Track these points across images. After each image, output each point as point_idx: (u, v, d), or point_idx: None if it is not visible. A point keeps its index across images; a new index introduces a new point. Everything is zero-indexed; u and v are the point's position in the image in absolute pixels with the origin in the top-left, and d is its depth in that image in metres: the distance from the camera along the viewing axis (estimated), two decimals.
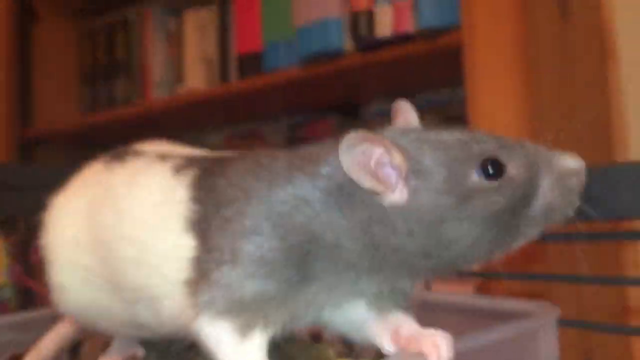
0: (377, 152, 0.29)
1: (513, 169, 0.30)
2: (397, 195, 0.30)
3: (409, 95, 1.13)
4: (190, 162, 0.35)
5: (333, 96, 1.14)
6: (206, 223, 0.31)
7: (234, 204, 0.31)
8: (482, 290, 0.73)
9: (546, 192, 0.30)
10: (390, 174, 0.29)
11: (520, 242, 0.31)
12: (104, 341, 0.40)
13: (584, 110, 0.87)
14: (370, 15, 0.91)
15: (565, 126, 0.84)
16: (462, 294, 0.36)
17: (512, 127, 0.76)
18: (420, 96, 1.12)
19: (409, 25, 0.87)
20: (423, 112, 1.14)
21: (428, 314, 0.33)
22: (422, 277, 0.33)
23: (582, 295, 0.74)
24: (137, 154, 0.38)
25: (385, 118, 1.15)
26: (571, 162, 0.31)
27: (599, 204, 0.32)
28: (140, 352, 0.37)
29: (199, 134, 1.43)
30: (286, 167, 0.31)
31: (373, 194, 0.29)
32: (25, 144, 1.45)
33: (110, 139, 1.57)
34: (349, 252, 0.29)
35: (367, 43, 0.91)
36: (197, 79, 1.32)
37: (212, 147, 0.44)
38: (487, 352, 0.28)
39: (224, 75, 1.27)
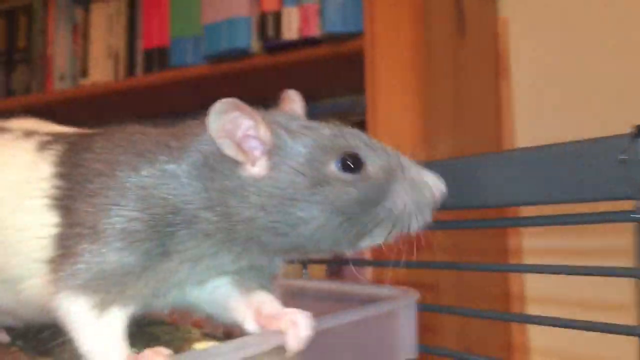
0: (246, 123, 0.30)
1: (371, 167, 0.32)
2: (257, 168, 0.31)
3: (314, 100, 1.16)
4: (56, 138, 0.34)
5: (238, 97, 1.14)
6: (70, 199, 0.30)
7: (99, 178, 0.30)
8: (373, 280, 0.75)
9: (397, 197, 0.32)
10: (255, 147, 0.31)
11: (368, 242, 0.32)
12: None
13: (475, 121, 0.92)
14: (278, 17, 0.92)
15: (457, 136, 0.88)
16: (333, 282, 0.38)
17: (407, 135, 0.79)
18: (325, 101, 1.14)
19: (315, 29, 0.88)
20: (327, 117, 1.16)
21: (299, 301, 0.34)
22: (275, 256, 0.34)
23: (468, 284, 0.78)
24: (2, 130, 0.36)
25: None
26: (429, 177, 0.32)
27: (484, 192, 0.34)
28: (4, 337, 0.36)
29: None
30: (155, 141, 0.32)
31: (234, 165, 0.30)
32: None
33: None
34: (206, 223, 0.30)
35: (274, 44, 0.92)
36: (102, 72, 1.28)
37: None
38: (347, 332, 0.29)
39: (130, 70, 1.24)
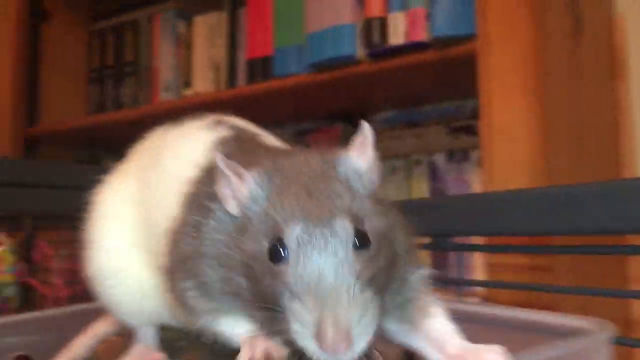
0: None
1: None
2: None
3: (417, 105, 1.13)
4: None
5: (341, 104, 1.14)
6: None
7: None
8: (488, 300, 0.72)
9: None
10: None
11: None
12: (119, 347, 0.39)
13: (592, 124, 0.87)
14: (383, 22, 0.90)
15: (574, 140, 0.83)
16: (512, 308, 0.34)
17: (523, 139, 0.76)
18: (427, 106, 1.11)
19: (423, 34, 0.86)
20: (430, 122, 1.14)
21: (478, 328, 0.32)
22: None
23: (587, 308, 0.73)
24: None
25: (393, 127, 1.14)
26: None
27: (605, 218, 0.31)
28: (161, 358, 0.36)
29: None
30: None
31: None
32: (30, 142, 1.44)
33: (115, 141, 1.57)
34: None
35: (380, 50, 0.90)
36: (204, 83, 1.32)
37: None
38: None
39: (231, 80, 1.26)
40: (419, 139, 1.09)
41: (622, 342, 0.31)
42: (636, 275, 0.87)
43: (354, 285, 0.26)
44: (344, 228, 0.27)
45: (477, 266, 1.00)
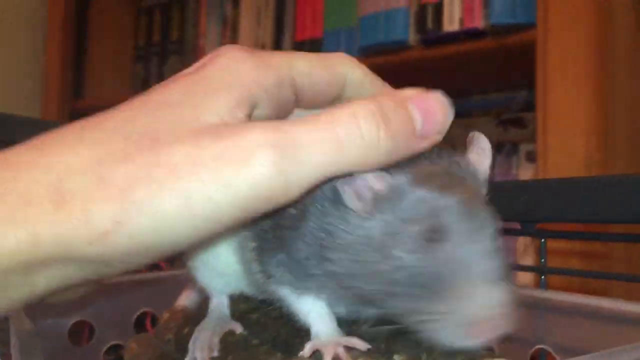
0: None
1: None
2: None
3: (465, 95, 1.11)
4: None
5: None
6: None
7: None
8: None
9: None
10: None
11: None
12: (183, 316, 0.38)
13: None
14: (438, 8, 0.88)
15: (634, 134, 0.80)
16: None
17: (581, 133, 0.74)
18: (476, 97, 1.09)
19: (479, 21, 0.84)
20: (478, 113, 1.11)
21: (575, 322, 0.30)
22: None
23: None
24: None
25: None
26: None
27: None
28: (238, 328, 0.35)
29: None
30: None
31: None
32: (75, 115, 1.46)
33: None
34: None
35: (433, 37, 0.88)
36: None
37: None
38: None
39: None
40: (465, 130, 1.07)
41: None
42: None
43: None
44: (491, 217, 0.27)
45: (522, 252, 0.98)
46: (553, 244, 0.70)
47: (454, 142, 1.02)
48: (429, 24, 0.89)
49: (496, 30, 0.83)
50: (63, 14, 1.43)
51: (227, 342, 0.34)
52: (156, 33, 1.54)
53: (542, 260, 0.35)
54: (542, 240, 0.35)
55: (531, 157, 1.00)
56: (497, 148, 1.04)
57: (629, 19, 0.82)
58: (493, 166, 0.90)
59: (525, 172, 1.01)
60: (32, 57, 1.50)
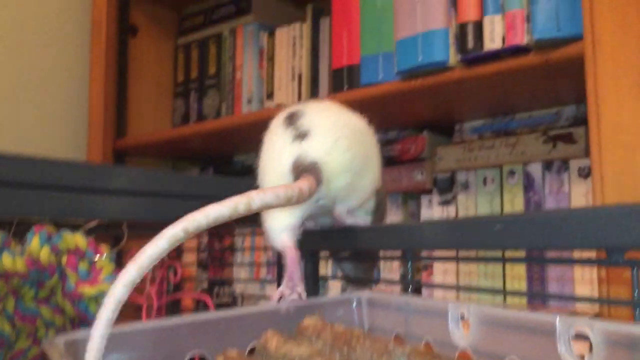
0: None
1: None
2: None
3: (508, 113, 1.08)
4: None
5: (430, 112, 1.10)
6: None
7: None
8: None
9: None
10: None
11: None
12: None
13: None
14: (479, 26, 0.86)
15: None
16: None
17: (637, 146, 0.70)
18: (521, 114, 1.06)
19: (522, 37, 0.81)
20: (524, 130, 1.08)
21: None
22: None
23: None
24: None
25: (482, 135, 1.09)
26: None
27: None
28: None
29: None
30: None
31: None
32: (118, 153, 1.49)
33: (198, 151, 1.59)
34: None
35: (475, 56, 0.86)
36: (287, 94, 1.31)
37: None
38: None
39: (314, 90, 1.26)
40: (512, 148, 1.04)
41: None
42: None
43: None
44: None
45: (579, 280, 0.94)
46: (614, 275, 0.66)
47: (501, 160, 1.01)
48: (470, 43, 0.87)
49: (541, 45, 0.81)
50: (104, 54, 1.46)
51: None
52: (194, 69, 1.56)
53: (636, 292, 0.32)
54: (634, 269, 0.32)
55: (583, 173, 0.96)
56: (546, 166, 1.00)
57: None
58: (543, 183, 0.90)
59: (578, 189, 0.97)
60: (76, 100, 1.54)
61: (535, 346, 0.35)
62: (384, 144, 1.21)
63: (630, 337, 0.30)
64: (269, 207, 0.40)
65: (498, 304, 0.94)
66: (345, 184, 0.52)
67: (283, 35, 1.34)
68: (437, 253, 0.82)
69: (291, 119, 0.55)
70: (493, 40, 0.84)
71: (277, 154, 0.53)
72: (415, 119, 1.16)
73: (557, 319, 0.34)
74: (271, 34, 1.37)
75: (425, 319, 0.44)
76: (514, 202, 1.03)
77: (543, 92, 0.96)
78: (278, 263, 0.64)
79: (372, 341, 0.33)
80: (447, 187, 1.12)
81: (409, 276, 0.54)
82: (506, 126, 1.07)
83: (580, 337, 0.33)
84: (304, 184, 0.45)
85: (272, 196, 0.40)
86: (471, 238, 0.39)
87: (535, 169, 1.01)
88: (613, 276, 0.67)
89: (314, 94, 1.26)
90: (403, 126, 1.21)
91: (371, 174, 0.57)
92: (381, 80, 0.99)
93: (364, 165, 0.55)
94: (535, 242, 0.35)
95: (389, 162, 1.18)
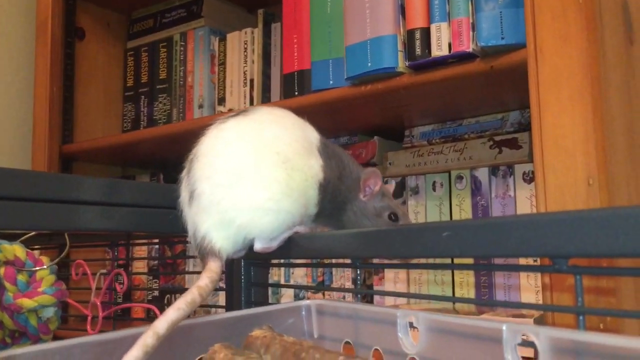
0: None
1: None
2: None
3: (457, 119, 1.10)
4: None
5: (380, 117, 1.11)
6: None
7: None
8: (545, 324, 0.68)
9: None
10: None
11: None
12: None
13: None
14: (426, 33, 0.87)
15: (632, 150, 0.79)
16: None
17: (579, 152, 0.72)
18: (469, 119, 1.08)
19: (468, 44, 0.83)
20: (471, 136, 1.10)
21: None
22: None
23: None
24: None
25: (431, 141, 1.11)
26: None
27: None
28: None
29: None
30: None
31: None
32: (65, 159, 1.45)
33: (149, 157, 1.56)
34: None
35: (422, 62, 0.87)
36: (239, 99, 1.30)
37: None
38: None
39: (265, 95, 1.25)
40: (460, 154, 1.06)
41: None
42: None
43: None
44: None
45: (525, 288, 0.96)
46: (557, 281, 0.68)
47: (449, 165, 1.02)
48: (418, 49, 0.88)
49: (485, 53, 0.83)
50: (49, 58, 1.42)
51: None
52: (144, 73, 1.54)
53: (580, 299, 0.33)
54: (578, 277, 0.33)
55: (527, 178, 0.99)
56: (493, 170, 1.03)
57: (617, 35, 0.81)
58: (490, 188, 0.94)
59: (523, 193, 0.99)
60: (20, 104, 1.49)
61: (482, 353, 0.36)
62: None
63: (575, 344, 0.31)
64: (179, 321, 0.42)
65: (448, 311, 0.96)
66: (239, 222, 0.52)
67: (234, 40, 1.33)
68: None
69: (189, 166, 0.56)
70: (440, 47, 0.86)
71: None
72: (367, 124, 1.17)
73: (504, 326, 0.34)
74: (222, 39, 1.36)
75: (375, 326, 0.44)
76: (462, 207, 1.05)
77: (489, 98, 0.98)
78: (228, 271, 0.63)
79: (321, 354, 0.33)
80: (397, 192, 1.13)
81: (359, 283, 0.54)
82: (454, 132, 1.09)
83: (527, 343, 0.34)
84: (203, 281, 0.48)
85: (174, 313, 0.42)
86: (419, 246, 0.39)
87: (482, 174, 1.04)
88: (556, 283, 0.69)
89: (265, 99, 1.26)
90: (354, 131, 1.22)
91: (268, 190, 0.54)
92: (332, 86, 1.00)
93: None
94: (482, 249, 0.35)
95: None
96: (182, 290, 1.42)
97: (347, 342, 0.47)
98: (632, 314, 0.38)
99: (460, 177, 1.06)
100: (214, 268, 0.49)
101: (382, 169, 1.15)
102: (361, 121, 1.15)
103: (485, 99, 0.99)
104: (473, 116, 1.08)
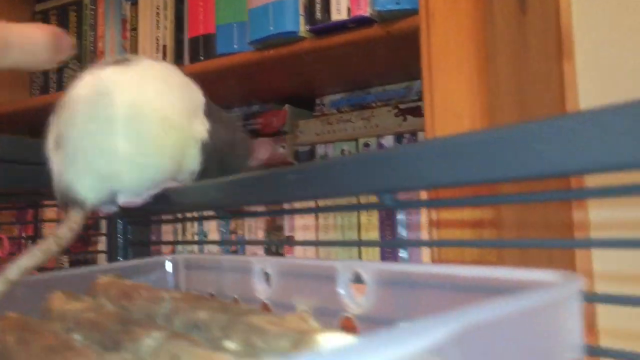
0: None
1: None
2: None
3: (365, 87, 1.11)
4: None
5: (288, 85, 1.11)
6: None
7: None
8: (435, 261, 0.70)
9: None
10: None
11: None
12: None
13: (538, 103, 0.86)
14: None
15: (519, 118, 0.82)
16: (462, 266, 0.29)
17: (467, 117, 0.74)
18: (376, 88, 1.09)
19: (366, 8, 0.84)
20: (378, 105, 1.11)
21: (413, 293, 0.29)
22: None
23: (531, 261, 0.72)
24: None
25: (341, 109, 1.11)
26: None
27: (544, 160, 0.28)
28: None
29: None
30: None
31: None
32: None
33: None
34: None
35: (323, 27, 0.87)
36: None
37: None
38: (502, 328, 0.21)
39: (178, 60, 1.22)
40: (368, 122, 1.07)
41: (591, 299, 0.27)
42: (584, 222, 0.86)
43: None
44: None
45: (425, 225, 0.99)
46: (444, 215, 0.70)
47: (357, 132, 1.03)
48: (318, 13, 0.88)
49: (382, 18, 0.83)
50: None
51: (51, 346, 0.31)
52: None
53: (404, 233, 0.34)
54: (397, 211, 0.34)
55: None
56: (398, 138, 1.04)
57: (508, 4, 0.83)
58: None
59: None
60: None
61: (322, 292, 0.37)
62: (247, 117, 1.20)
63: (392, 274, 0.32)
64: (31, 268, 0.42)
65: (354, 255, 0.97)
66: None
67: (146, 4, 1.29)
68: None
69: (58, 111, 0.55)
70: (339, 11, 0.86)
71: None
72: (278, 93, 1.17)
73: (337, 263, 0.35)
74: (134, 3, 1.31)
75: (235, 276, 0.45)
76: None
77: (395, 67, 0.99)
78: (108, 230, 0.62)
79: (148, 291, 0.33)
80: (307, 160, 1.13)
81: (226, 234, 0.54)
82: (362, 100, 1.10)
83: (358, 279, 0.35)
84: (61, 230, 0.47)
85: (26, 260, 0.42)
86: (270, 192, 0.40)
87: (388, 142, 1.05)
88: (443, 220, 0.71)
89: (178, 64, 1.23)
90: (267, 100, 1.21)
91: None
92: (236, 50, 0.99)
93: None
94: (322, 190, 0.36)
95: (252, 135, 1.17)
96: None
97: (209, 294, 0.47)
98: (456, 243, 0.39)
99: (367, 145, 1.07)
100: (74, 218, 0.47)
101: (292, 137, 1.15)
102: (272, 89, 1.14)
103: (391, 67, 1.00)
104: (380, 84, 1.09)
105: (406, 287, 0.31)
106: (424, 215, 0.95)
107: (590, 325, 0.81)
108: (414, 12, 0.80)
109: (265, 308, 0.41)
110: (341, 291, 0.35)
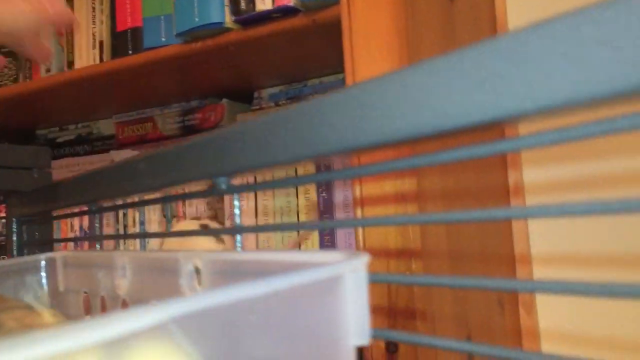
0: None
1: None
2: None
3: (302, 80, 1.08)
4: None
5: (225, 79, 1.08)
6: None
7: None
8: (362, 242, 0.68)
9: None
10: None
11: None
12: None
13: None
14: None
15: None
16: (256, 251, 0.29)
17: None
18: (312, 80, 1.07)
19: None
20: (314, 97, 1.09)
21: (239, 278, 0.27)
22: None
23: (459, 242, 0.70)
24: None
25: (278, 102, 1.09)
26: None
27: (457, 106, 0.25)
28: None
29: (89, 118, 1.35)
30: None
31: None
32: None
33: None
34: None
35: (248, 17, 0.85)
36: (88, 63, 1.23)
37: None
38: (265, 308, 0.19)
39: (114, 56, 1.19)
40: None
41: (377, 279, 0.25)
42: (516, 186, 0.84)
43: None
44: None
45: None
46: (367, 192, 0.68)
47: None
48: (242, 4, 0.85)
49: (307, 7, 0.81)
50: None
51: None
52: None
53: (237, 220, 0.32)
54: (235, 195, 0.31)
55: None
56: None
57: None
58: None
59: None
60: None
61: (169, 284, 0.34)
62: (186, 113, 1.17)
63: (224, 263, 0.30)
64: None
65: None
66: None
67: (82, 0, 1.25)
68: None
69: None
70: (264, 1, 0.83)
71: None
72: (215, 87, 1.14)
73: (179, 255, 0.33)
74: (69, 0, 1.27)
75: (103, 273, 0.42)
76: (306, 167, 1.04)
77: (327, 58, 0.97)
78: (6, 231, 0.59)
79: None
80: None
81: (96, 229, 0.51)
82: (300, 92, 1.07)
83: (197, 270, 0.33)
84: None
85: None
86: (126, 182, 0.37)
87: None
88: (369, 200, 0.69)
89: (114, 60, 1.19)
90: (204, 94, 1.18)
91: None
92: (164, 43, 0.95)
93: None
94: (167, 179, 0.33)
95: (190, 131, 1.14)
96: None
97: (85, 293, 0.45)
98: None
99: None
100: None
101: None
102: (207, 83, 1.11)
103: (324, 58, 0.97)
104: (317, 77, 1.07)
105: (235, 274, 0.28)
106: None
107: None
108: (336, 0, 0.78)
109: (124, 304, 0.38)
110: (183, 282, 0.32)
